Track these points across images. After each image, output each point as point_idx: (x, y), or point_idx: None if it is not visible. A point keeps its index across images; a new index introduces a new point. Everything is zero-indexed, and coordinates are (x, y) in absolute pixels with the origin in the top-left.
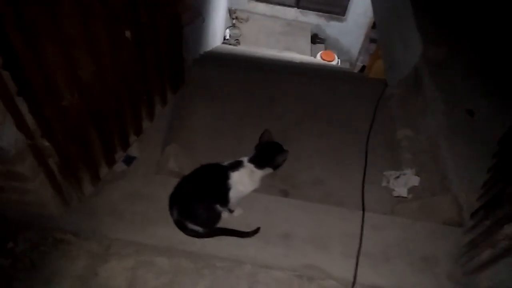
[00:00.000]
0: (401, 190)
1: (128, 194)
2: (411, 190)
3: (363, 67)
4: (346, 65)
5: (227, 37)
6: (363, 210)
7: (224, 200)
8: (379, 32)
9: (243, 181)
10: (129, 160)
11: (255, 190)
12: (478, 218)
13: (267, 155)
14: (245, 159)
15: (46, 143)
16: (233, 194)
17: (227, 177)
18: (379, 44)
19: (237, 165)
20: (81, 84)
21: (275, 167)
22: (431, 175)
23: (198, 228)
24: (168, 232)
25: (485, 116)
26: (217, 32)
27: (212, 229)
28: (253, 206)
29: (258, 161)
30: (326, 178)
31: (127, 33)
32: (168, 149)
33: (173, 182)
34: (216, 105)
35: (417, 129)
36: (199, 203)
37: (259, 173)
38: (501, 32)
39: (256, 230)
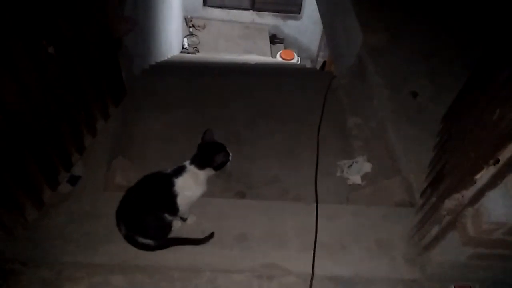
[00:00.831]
0: (355, 178)
1: (76, 215)
2: (364, 176)
3: (324, 62)
4: (307, 62)
5: (186, 45)
6: (317, 202)
7: (173, 208)
8: (324, 25)
9: (189, 185)
10: (74, 180)
11: (208, 195)
12: (425, 196)
13: (206, 155)
14: (187, 163)
15: None
16: (181, 201)
17: (171, 184)
18: (326, 36)
19: (180, 170)
20: (4, 106)
21: (216, 167)
22: (382, 159)
23: (149, 241)
24: (121, 249)
25: (429, 96)
26: (172, 42)
27: (164, 240)
28: (206, 212)
29: (199, 162)
30: (282, 175)
31: (50, 49)
32: (114, 164)
33: (121, 196)
34: (166, 114)
35: (366, 116)
36: (146, 215)
37: (202, 175)
38: (441, 14)
39: (211, 235)
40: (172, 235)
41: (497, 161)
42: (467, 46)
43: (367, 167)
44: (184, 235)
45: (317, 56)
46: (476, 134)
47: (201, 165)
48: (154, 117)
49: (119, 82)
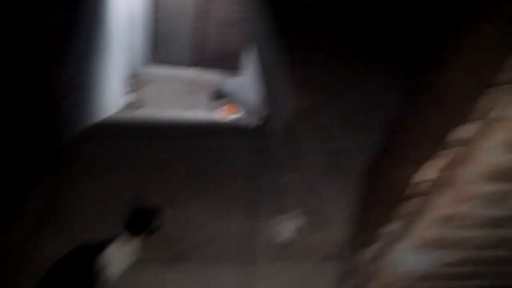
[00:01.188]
0: (282, 235)
1: None
2: (291, 233)
3: (266, 117)
4: (251, 117)
5: (127, 102)
6: (253, 262)
7: (100, 283)
8: (262, 83)
9: (121, 253)
10: None
11: (138, 262)
12: (345, 249)
13: (140, 221)
14: (116, 230)
15: None
16: (111, 273)
17: (101, 257)
18: (263, 93)
19: (110, 239)
20: None
21: (150, 232)
22: (315, 214)
23: None
24: None
25: (356, 150)
26: (113, 100)
27: None
28: (139, 279)
29: (133, 228)
30: (215, 236)
31: None
32: (37, 239)
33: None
34: (99, 180)
35: (299, 171)
36: None
37: (136, 241)
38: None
39: None
40: None
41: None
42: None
43: (300, 221)
44: None
45: (260, 110)
46: (383, 191)
47: (135, 232)
48: (85, 184)
49: (51, 146)
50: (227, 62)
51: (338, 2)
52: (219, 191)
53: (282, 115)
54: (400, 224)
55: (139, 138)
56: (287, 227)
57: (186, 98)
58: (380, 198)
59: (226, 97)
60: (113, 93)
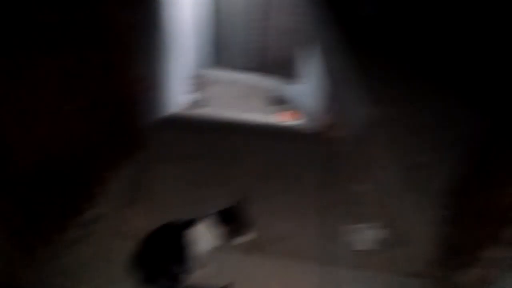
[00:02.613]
0: (361, 243)
1: (88, 257)
2: (371, 243)
3: (327, 126)
4: (309, 125)
5: (190, 101)
6: (325, 264)
7: (184, 259)
8: (331, 91)
9: (202, 237)
10: (89, 222)
11: (218, 249)
12: (437, 268)
13: (229, 218)
14: (205, 214)
15: None
16: (193, 252)
17: (185, 235)
18: (332, 101)
19: (195, 221)
20: (34, 151)
21: (230, 233)
22: (391, 227)
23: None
24: None
25: (436, 167)
26: (178, 97)
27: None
28: (217, 264)
29: (218, 219)
30: (287, 234)
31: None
32: (128, 211)
33: (133, 243)
34: (177, 166)
35: (374, 182)
36: (159, 265)
37: (215, 231)
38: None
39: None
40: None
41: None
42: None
43: (375, 233)
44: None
45: (320, 119)
46: (482, 212)
47: (222, 222)
48: (166, 168)
49: (139, 132)
50: (286, 69)
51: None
52: (290, 193)
53: (351, 124)
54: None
55: (209, 132)
56: (367, 237)
57: (245, 102)
58: (479, 219)
59: (284, 103)
60: (178, 91)
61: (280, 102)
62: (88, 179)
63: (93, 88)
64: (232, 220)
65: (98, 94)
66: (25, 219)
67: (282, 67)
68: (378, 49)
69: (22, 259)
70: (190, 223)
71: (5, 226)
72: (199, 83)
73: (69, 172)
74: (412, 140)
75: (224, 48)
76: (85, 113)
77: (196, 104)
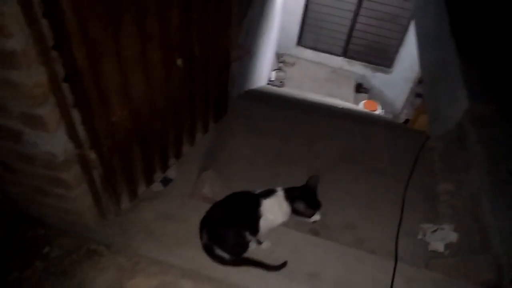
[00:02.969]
0: (437, 244)
1: (161, 214)
2: (448, 246)
3: (407, 121)
4: (390, 116)
5: (272, 78)
6: (396, 260)
7: (254, 228)
8: (425, 84)
9: (273, 210)
10: (166, 182)
11: (286, 225)
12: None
13: (302, 196)
14: (278, 188)
15: (93, 155)
16: (263, 223)
17: (258, 204)
18: (424, 96)
19: (269, 193)
20: (131, 103)
21: (297, 212)
22: (471, 232)
23: (225, 255)
24: (195, 256)
25: None
26: (263, 73)
27: (239, 259)
28: (281, 241)
29: (291, 195)
30: (359, 223)
31: (179, 61)
32: (204, 175)
33: (205, 207)
34: (255, 139)
35: (459, 184)
36: (229, 230)
37: (287, 206)
38: None
39: (283, 264)
40: (246, 255)
41: None
42: None
43: (453, 236)
44: (257, 258)
45: (400, 113)
46: None
47: (291, 199)
48: (245, 139)
49: (224, 101)
50: (375, 57)
51: None
52: (369, 181)
53: (445, 119)
54: None
55: (288, 109)
56: (437, 237)
57: (328, 85)
58: None
59: (368, 91)
60: (265, 66)
61: (363, 89)
62: (173, 139)
63: (192, 49)
64: (303, 199)
65: (196, 55)
66: (118, 168)
67: (371, 55)
68: (482, 43)
69: (107, 207)
70: (263, 195)
71: (99, 174)
72: (284, 61)
73: (156, 129)
74: (509, 143)
75: (312, 29)
76: (181, 73)
77: (278, 81)
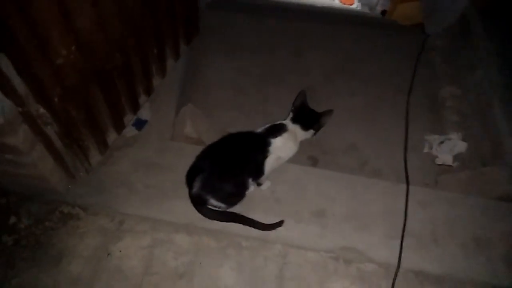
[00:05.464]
0: (445, 157)
1: (141, 163)
2: (457, 157)
3: (384, 12)
4: (365, 9)
5: None
6: (407, 183)
7: (258, 172)
8: None
9: (286, 146)
10: (140, 124)
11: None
12: None
13: (311, 116)
14: (287, 122)
15: (41, 110)
16: (269, 164)
17: (266, 145)
18: None
19: (278, 129)
20: (79, 36)
21: (319, 128)
22: (481, 140)
23: (221, 205)
24: (188, 208)
25: None
26: None
27: (230, 215)
28: (281, 178)
29: (305, 123)
30: (361, 143)
31: None
32: (183, 111)
33: (190, 149)
34: (235, 58)
35: (466, 86)
36: (229, 177)
37: (302, 136)
38: None
39: (279, 223)
40: (244, 200)
41: None
42: None
43: (462, 146)
44: (256, 201)
45: (376, 3)
46: None
47: (306, 126)
48: (223, 60)
49: (195, 16)
50: None
51: None
52: (367, 94)
53: (444, 12)
54: None
55: (271, 18)
56: (444, 149)
57: None
58: None
59: None
60: None
61: None
62: (139, 71)
63: None
64: (319, 125)
65: None
66: (75, 121)
67: None
68: None
69: (73, 163)
70: (270, 133)
71: (55, 131)
72: None
73: (117, 63)
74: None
75: None
76: None
77: None
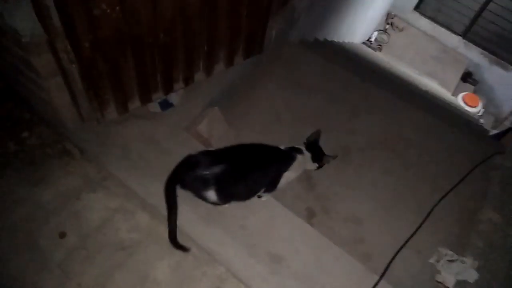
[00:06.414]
0: (448, 277)
1: (146, 137)
2: (460, 284)
3: (508, 130)
4: (490, 119)
5: (371, 39)
6: (381, 277)
7: (273, 183)
8: None
9: (300, 166)
10: (166, 105)
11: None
12: None
13: (318, 153)
14: (302, 148)
15: (69, 47)
16: (285, 179)
17: (291, 159)
18: None
19: (297, 150)
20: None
21: (321, 166)
22: (495, 278)
23: (215, 198)
24: (161, 192)
25: None
26: (359, 29)
27: (175, 200)
28: (259, 210)
29: (314, 154)
30: (367, 220)
31: None
32: (207, 110)
33: (195, 145)
34: (290, 92)
35: (509, 219)
36: (247, 179)
37: (309, 165)
38: None
39: (185, 248)
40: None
41: None
42: None
43: (472, 275)
44: (225, 217)
45: (505, 118)
46: None
47: (314, 158)
48: (276, 90)
49: (260, 35)
50: (500, 47)
51: None
52: (400, 177)
53: None
54: None
55: (350, 70)
56: (451, 269)
57: (432, 63)
58: None
59: (477, 83)
60: (365, 22)
61: (470, 80)
62: (182, 59)
63: None
64: (322, 162)
65: None
66: (100, 73)
67: (497, 44)
68: None
69: (88, 111)
70: (296, 151)
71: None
72: (391, 25)
73: (160, 42)
74: None
75: None
76: None
77: (379, 44)
